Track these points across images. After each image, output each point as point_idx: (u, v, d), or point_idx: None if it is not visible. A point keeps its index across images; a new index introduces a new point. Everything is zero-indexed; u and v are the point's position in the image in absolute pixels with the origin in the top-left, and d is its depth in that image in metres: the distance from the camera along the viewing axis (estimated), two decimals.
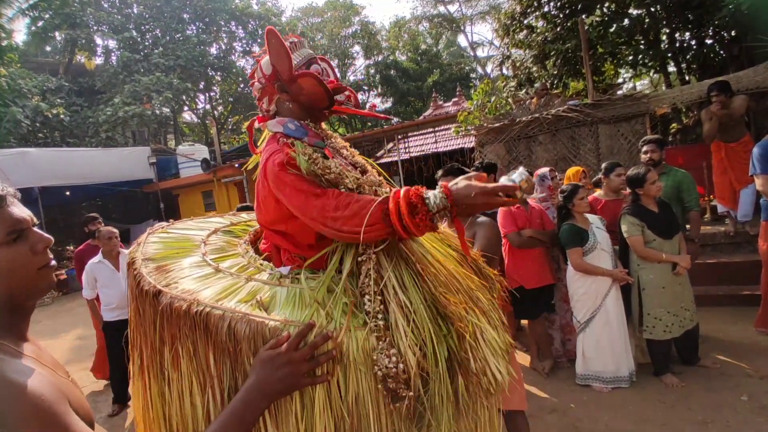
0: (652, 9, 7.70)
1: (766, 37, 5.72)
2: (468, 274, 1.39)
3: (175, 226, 1.58)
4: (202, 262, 1.33)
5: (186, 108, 22.51)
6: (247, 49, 22.14)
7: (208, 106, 23.33)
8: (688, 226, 3.94)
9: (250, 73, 1.45)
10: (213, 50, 21.16)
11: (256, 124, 1.46)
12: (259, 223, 1.43)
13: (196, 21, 20.22)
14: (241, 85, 22.04)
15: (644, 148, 4.06)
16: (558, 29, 8.31)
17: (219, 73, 21.19)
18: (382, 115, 2.22)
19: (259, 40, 21.84)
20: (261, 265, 1.34)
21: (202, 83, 20.90)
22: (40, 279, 0.89)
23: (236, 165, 11.88)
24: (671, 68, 8.53)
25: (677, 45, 7.94)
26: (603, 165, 4.02)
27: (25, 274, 0.87)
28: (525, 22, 8.73)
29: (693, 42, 7.80)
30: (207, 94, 22.48)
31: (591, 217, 3.60)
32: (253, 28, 21.43)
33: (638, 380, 3.46)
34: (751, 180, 4.06)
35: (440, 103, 16.45)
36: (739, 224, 4.97)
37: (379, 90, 26.45)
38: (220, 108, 23.75)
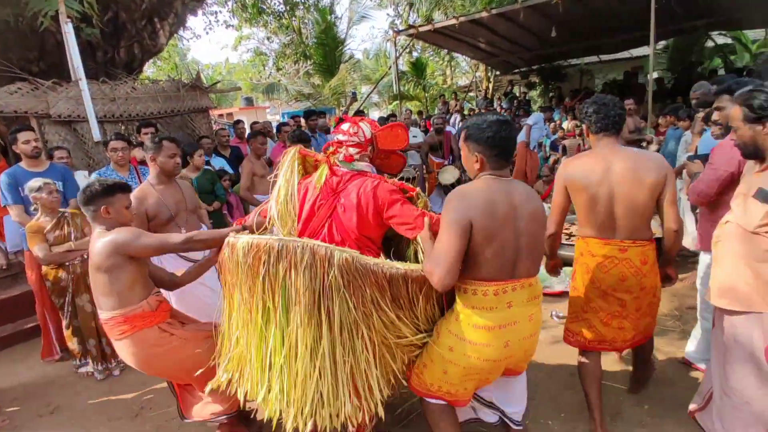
0: None
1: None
2: None
3: None
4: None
5: None
6: None
7: None
8: None
9: (352, 128, 2.22)
10: None
11: (338, 159, 2.22)
12: (346, 229, 2.10)
13: None
14: None
15: None
16: None
17: None
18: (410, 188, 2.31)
19: None
20: None
21: None
22: None
23: None
24: None
25: None
26: None
27: None
28: None
29: None
30: None
31: None
32: None
33: None
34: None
35: None
36: (11, 255, 4.66)
37: None
38: None
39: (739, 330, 1.90)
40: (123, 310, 2.18)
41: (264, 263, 1.80)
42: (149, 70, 18.10)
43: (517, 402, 2.24)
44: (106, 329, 2.27)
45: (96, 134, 5.04)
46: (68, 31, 4.81)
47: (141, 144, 4.27)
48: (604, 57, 14.04)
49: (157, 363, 2.28)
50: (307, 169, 2.43)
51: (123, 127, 5.40)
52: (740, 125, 1.84)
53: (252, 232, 2.18)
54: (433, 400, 2.05)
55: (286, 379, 1.87)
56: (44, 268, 3.47)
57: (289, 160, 2.25)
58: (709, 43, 12.01)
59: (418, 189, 2.33)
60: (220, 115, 19.13)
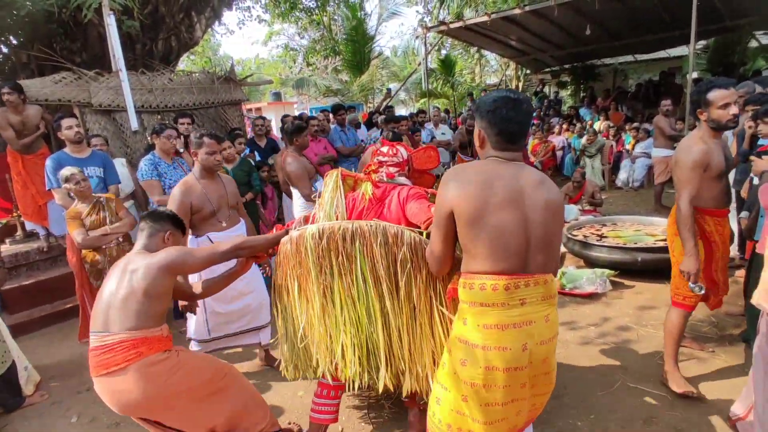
0: None
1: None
2: None
3: None
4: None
5: None
6: None
7: None
8: None
9: (392, 150, 2.55)
10: None
11: (383, 174, 2.49)
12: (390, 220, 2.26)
13: None
14: None
15: None
16: None
17: None
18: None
19: None
20: None
21: None
22: None
23: None
24: None
25: None
26: None
27: None
28: None
29: None
30: None
31: None
32: None
33: None
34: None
35: None
36: (59, 238, 4.82)
37: None
38: None
39: None
40: (145, 331, 1.91)
41: (339, 244, 2.03)
42: (183, 63, 18.51)
43: None
44: (98, 361, 1.91)
45: (134, 124, 5.19)
46: (110, 23, 4.97)
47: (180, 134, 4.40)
48: (640, 56, 13.65)
49: (168, 391, 1.93)
50: (347, 187, 2.69)
51: (159, 117, 5.54)
52: None
53: None
54: None
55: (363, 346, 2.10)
56: (83, 252, 3.61)
57: (333, 178, 2.54)
58: (753, 43, 11.54)
59: None
60: (249, 110, 19.38)
